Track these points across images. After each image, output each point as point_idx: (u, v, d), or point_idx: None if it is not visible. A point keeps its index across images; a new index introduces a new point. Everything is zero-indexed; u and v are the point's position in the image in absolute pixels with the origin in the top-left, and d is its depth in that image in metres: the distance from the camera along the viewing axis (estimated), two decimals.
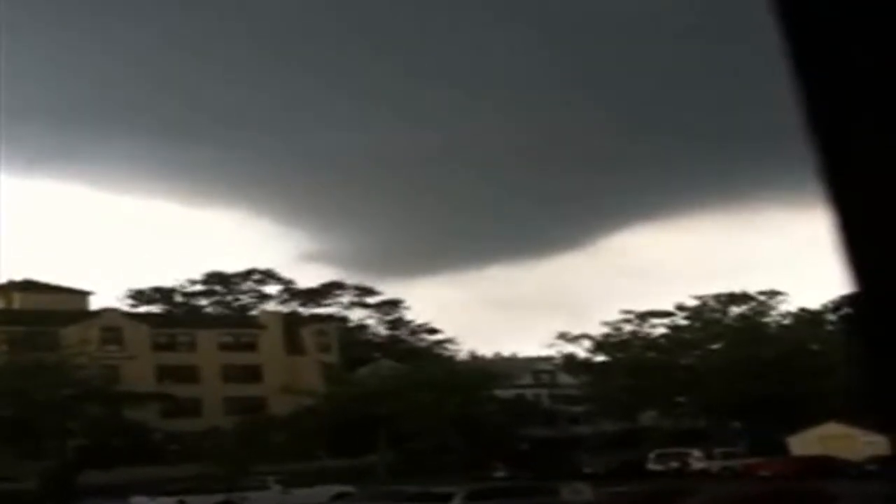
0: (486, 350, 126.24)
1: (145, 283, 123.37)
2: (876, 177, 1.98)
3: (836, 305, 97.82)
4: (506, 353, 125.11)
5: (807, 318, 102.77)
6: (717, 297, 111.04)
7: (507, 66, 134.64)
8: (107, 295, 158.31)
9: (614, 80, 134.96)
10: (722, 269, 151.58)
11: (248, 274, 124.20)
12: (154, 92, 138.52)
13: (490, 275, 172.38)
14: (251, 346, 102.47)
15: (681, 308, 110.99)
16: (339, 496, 60.31)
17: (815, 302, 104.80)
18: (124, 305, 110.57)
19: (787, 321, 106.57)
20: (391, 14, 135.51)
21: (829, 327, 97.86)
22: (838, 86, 2.04)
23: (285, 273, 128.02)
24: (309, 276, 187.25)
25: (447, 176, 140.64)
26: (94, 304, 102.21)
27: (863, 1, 2.02)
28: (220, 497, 59.89)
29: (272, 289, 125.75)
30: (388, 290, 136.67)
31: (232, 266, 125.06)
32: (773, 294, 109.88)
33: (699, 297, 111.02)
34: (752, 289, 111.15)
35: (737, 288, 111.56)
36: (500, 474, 72.26)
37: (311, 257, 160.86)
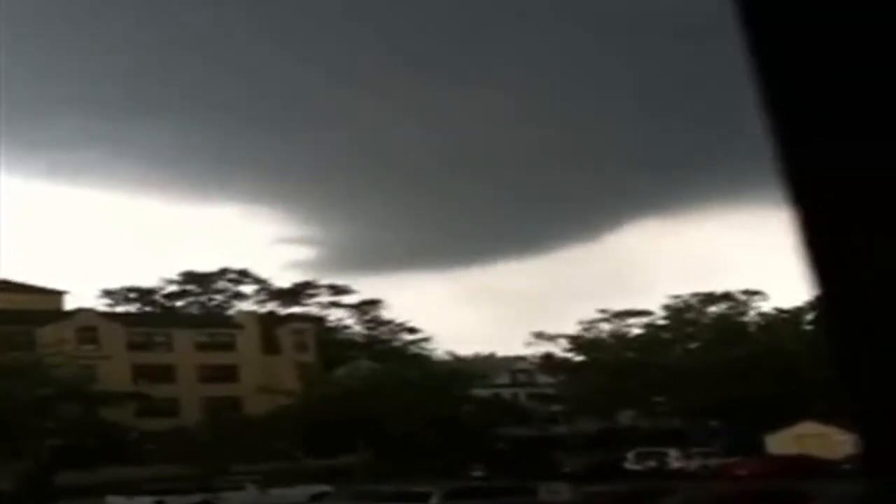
0: (464, 349, 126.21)
1: (121, 282, 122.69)
2: (837, 178, 2.00)
3: (813, 305, 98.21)
4: (484, 352, 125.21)
5: (784, 318, 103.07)
6: (695, 295, 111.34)
7: (513, 62, 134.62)
8: (82, 295, 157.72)
9: (620, 77, 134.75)
10: (712, 268, 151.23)
11: (222, 273, 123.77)
12: (139, 83, 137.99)
13: (474, 273, 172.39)
14: (228, 346, 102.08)
15: (661, 307, 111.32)
16: (317, 496, 60.27)
17: (794, 301, 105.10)
18: (100, 305, 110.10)
19: (764, 321, 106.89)
20: (396, 7, 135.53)
21: (807, 327, 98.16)
22: (798, 87, 2.05)
23: (272, 269, 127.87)
24: (292, 273, 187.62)
25: (444, 173, 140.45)
26: (70, 304, 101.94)
27: (824, 4, 2.03)
28: (197, 497, 59.79)
29: (248, 288, 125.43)
30: (371, 284, 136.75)
31: (215, 264, 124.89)
32: (752, 293, 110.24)
33: (677, 297, 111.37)
34: (732, 288, 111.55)
35: (720, 287, 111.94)
36: (477, 474, 72.22)
37: (296, 252, 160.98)
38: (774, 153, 2.05)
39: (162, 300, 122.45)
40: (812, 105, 2.04)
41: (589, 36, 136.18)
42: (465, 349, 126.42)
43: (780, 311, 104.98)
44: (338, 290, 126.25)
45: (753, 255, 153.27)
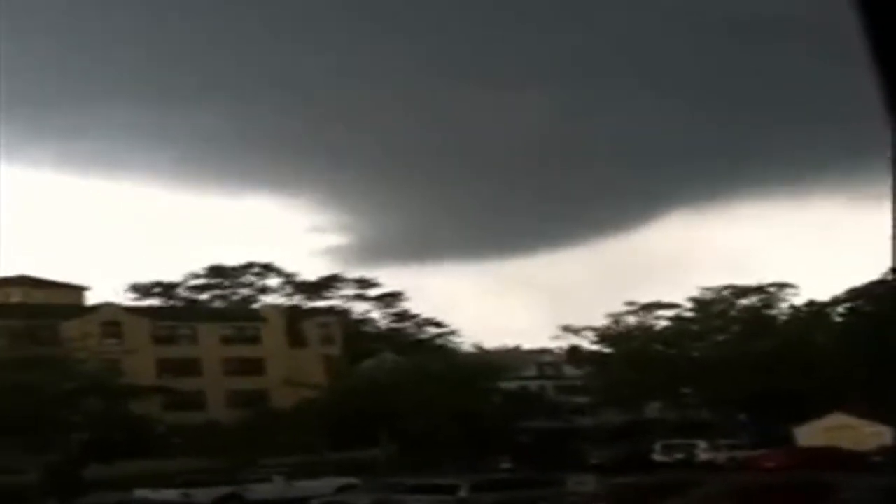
0: (491, 342, 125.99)
1: (146, 276, 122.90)
2: None
3: (845, 298, 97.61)
4: (510, 344, 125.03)
5: (814, 311, 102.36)
6: (726, 288, 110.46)
7: (546, 59, 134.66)
8: (105, 290, 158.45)
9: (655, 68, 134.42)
10: (744, 261, 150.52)
11: (246, 267, 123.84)
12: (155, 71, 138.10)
13: (506, 265, 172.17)
14: (253, 340, 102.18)
15: (689, 300, 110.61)
16: (343, 488, 60.12)
17: (824, 294, 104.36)
18: (125, 300, 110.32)
19: (793, 314, 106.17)
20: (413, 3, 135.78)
21: (837, 319, 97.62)
22: None
23: (301, 259, 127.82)
24: (322, 263, 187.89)
25: (473, 165, 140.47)
26: (92, 299, 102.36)
27: None
28: (224, 490, 59.79)
29: (273, 282, 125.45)
30: (398, 276, 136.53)
31: (242, 256, 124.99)
32: (783, 286, 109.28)
33: (706, 289, 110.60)
34: (763, 280, 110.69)
35: (751, 280, 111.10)
36: (504, 466, 72.08)
37: (326, 242, 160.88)
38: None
39: (186, 294, 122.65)
40: None
41: (622, 29, 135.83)
42: (492, 341, 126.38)
43: (810, 303, 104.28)
44: (364, 283, 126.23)
45: (784, 248, 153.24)
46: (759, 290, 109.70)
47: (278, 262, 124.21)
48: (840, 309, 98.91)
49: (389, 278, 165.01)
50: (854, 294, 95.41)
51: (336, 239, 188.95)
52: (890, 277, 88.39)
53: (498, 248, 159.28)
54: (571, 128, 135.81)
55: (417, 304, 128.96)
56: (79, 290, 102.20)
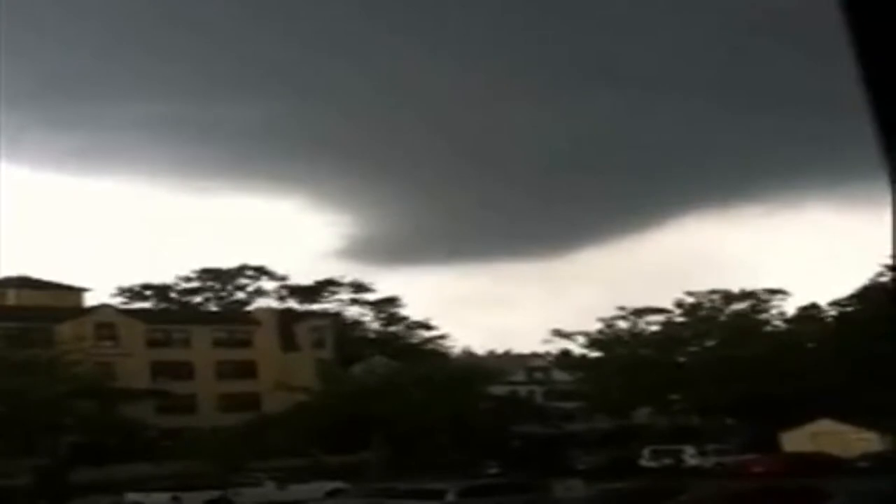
0: (480, 346, 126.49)
1: (139, 279, 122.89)
2: None
3: (835, 303, 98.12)
4: (499, 349, 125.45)
5: (802, 316, 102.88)
6: (714, 293, 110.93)
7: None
8: (101, 291, 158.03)
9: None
10: (734, 266, 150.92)
11: (240, 270, 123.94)
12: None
13: (496, 270, 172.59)
14: (246, 343, 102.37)
15: (678, 305, 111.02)
16: (333, 492, 60.49)
17: (813, 300, 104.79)
18: (118, 302, 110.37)
19: (782, 319, 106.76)
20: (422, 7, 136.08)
21: (825, 325, 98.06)
22: None
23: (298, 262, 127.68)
24: (317, 264, 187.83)
25: (481, 169, 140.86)
26: (89, 300, 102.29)
27: None
28: (214, 493, 60.12)
29: (267, 285, 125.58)
30: (390, 278, 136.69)
31: (236, 258, 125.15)
32: (773, 292, 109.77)
33: (695, 294, 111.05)
34: (753, 286, 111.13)
35: (744, 285, 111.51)
36: (493, 471, 72.32)
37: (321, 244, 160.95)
38: (879, 140, 2.06)
39: (179, 297, 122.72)
40: None
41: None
42: (481, 346, 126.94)
43: (800, 309, 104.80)
44: (358, 287, 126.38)
45: (774, 253, 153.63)
46: (749, 295, 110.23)
47: (269, 263, 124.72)
48: (828, 314, 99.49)
49: (381, 280, 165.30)
50: (845, 299, 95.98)
51: (329, 240, 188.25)
52: (879, 282, 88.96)
53: (488, 250, 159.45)
54: (574, 132, 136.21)
55: (405, 310, 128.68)
56: (78, 291, 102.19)
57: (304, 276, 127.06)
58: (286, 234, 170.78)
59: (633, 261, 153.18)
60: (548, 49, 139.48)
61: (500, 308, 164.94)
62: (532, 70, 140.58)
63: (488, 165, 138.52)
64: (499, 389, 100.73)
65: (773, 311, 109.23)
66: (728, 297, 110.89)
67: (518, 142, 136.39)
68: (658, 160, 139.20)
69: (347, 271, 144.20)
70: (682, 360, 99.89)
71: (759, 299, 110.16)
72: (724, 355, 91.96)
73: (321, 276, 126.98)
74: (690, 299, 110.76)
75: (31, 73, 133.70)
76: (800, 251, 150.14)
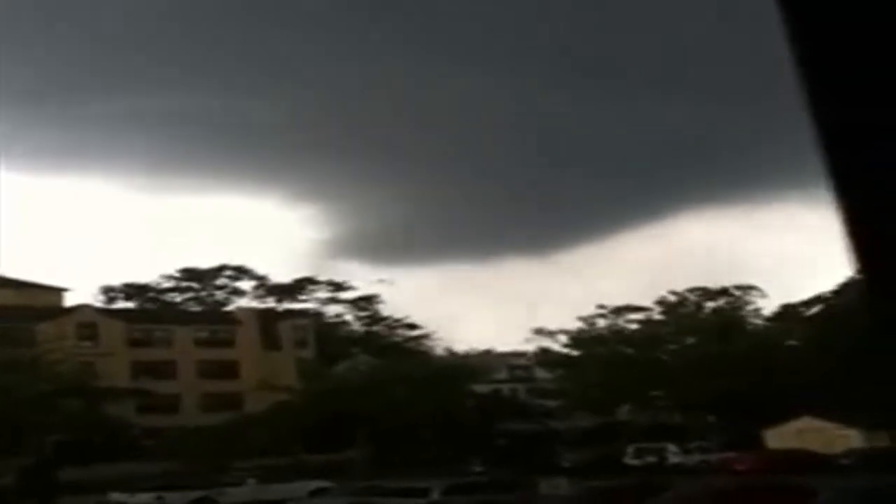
0: (463, 345, 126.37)
1: (119, 278, 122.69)
2: (883, 172, 2.06)
3: (817, 300, 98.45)
4: (481, 347, 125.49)
5: (783, 313, 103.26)
6: (693, 291, 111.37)
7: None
8: (82, 291, 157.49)
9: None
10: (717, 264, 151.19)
11: (220, 269, 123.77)
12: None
13: (483, 269, 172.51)
14: (228, 342, 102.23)
15: (658, 303, 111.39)
16: (317, 491, 60.39)
17: (794, 297, 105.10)
18: (98, 302, 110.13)
19: (762, 316, 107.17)
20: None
21: (807, 322, 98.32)
22: (843, 80, 2.06)
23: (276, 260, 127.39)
24: (296, 264, 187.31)
25: (466, 166, 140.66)
26: (69, 300, 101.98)
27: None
28: (197, 493, 59.98)
29: (246, 284, 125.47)
30: (374, 275, 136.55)
31: (215, 258, 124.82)
32: (749, 289, 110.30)
33: (675, 293, 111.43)
34: (734, 283, 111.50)
35: (722, 282, 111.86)
36: (477, 469, 72.29)
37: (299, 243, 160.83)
38: (819, 147, 2.10)
39: (159, 296, 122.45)
40: (857, 99, 2.07)
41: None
42: (463, 345, 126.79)
43: (781, 306, 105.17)
44: (336, 285, 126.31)
45: (754, 251, 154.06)
46: (725, 292, 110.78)
47: (250, 262, 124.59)
48: (808, 311, 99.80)
49: (364, 278, 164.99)
50: (825, 295, 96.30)
51: (309, 237, 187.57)
52: (858, 279, 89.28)
53: (472, 249, 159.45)
54: (563, 128, 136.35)
55: (387, 308, 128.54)
56: (58, 291, 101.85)
57: (285, 275, 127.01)
58: (267, 233, 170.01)
59: (615, 260, 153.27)
60: (536, 46, 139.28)
61: (483, 306, 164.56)
62: (518, 68, 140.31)
63: (474, 163, 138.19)
64: (482, 388, 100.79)
65: (754, 308, 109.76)
66: (708, 293, 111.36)
67: (504, 139, 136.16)
68: (640, 158, 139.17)
69: (329, 270, 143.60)
70: (663, 357, 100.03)
71: (739, 296, 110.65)
72: (704, 352, 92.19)
73: (301, 275, 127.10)
74: (671, 297, 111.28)
75: None
76: (780, 248, 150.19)
